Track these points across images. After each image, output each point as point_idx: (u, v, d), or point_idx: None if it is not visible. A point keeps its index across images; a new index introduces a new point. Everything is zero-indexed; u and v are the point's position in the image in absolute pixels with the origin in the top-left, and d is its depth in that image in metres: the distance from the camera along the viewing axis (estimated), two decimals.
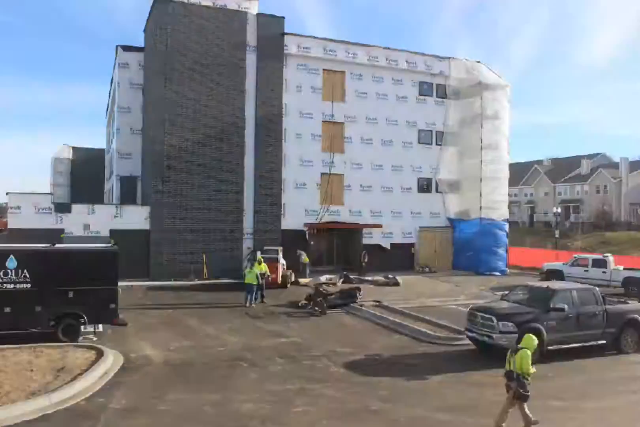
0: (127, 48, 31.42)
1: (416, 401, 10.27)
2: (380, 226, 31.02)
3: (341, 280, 25.87)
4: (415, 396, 10.58)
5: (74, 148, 50.88)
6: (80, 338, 13.96)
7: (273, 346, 14.15)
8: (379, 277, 26.61)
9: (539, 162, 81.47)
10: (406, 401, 10.22)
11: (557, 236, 44.56)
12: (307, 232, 29.63)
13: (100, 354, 12.09)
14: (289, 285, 24.86)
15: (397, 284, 25.72)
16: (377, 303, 20.16)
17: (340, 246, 31.86)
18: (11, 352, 11.94)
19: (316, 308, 18.81)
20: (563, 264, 27.86)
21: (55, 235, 24.79)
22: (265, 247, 26.34)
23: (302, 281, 25.93)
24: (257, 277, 20.09)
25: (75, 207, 25.83)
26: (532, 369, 8.73)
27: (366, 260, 29.10)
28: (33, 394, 9.53)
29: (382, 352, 13.84)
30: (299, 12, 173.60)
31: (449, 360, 13.42)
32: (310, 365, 12.49)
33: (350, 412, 9.60)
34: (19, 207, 24.77)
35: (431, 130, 33.22)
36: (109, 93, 40.54)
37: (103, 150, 46.17)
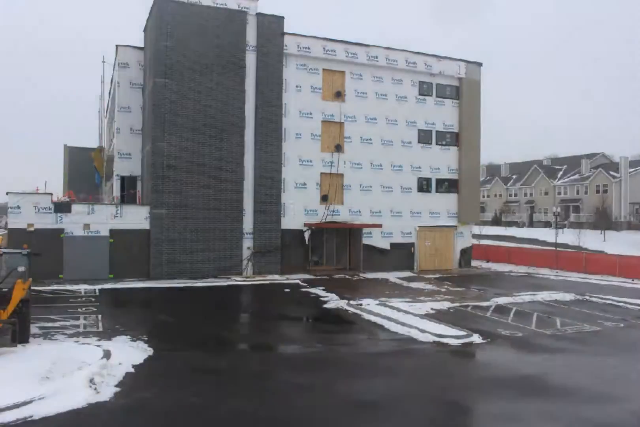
0: (126, 48, 31.41)
1: None
2: (380, 226, 31.00)
3: None
4: None
5: (71, 148, 50.81)
6: None
7: None
8: None
9: (539, 161, 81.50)
10: None
11: (556, 235, 44.49)
12: (306, 232, 29.62)
13: None
14: None
15: None
16: None
17: (340, 245, 31.87)
18: None
19: None
20: None
21: (55, 235, 24.94)
22: None
23: None
24: None
25: (75, 207, 25.81)
26: None
27: None
28: None
29: None
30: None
31: None
32: None
33: None
34: (18, 207, 24.77)
35: (431, 130, 33.22)
36: (109, 93, 40.53)
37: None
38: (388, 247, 31.70)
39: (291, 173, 29.40)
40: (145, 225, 26.46)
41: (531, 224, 72.79)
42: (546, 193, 74.94)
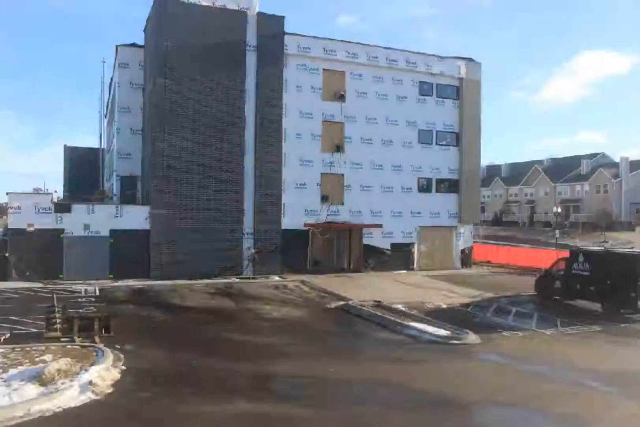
0: (126, 48, 31.41)
1: None
2: (380, 226, 30.97)
3: None
4: None
5: (70, 148, 50.68)
6: None
7: None
8: None
9: (539, 162, 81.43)
10: None
11: (557, 235, 44.49)
12: (309, 232, 29.54)
13: None
14: None
15: None
16: None
17: (340, 246, 31.82)
18: None
19: None
20: None
21: (55, 235, 24.92)
22: None
23: None
24: None
25: (75, 207, 25.79)
26: None
27: None
28: None
29: None
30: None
31: None
32: None
33: None
34: (19, 207, 24.75)
35: (431, 130, 33.17)
36: (109, 93, 40.52)
37: (98, 149, 45.89)
38: (388, 247, 31.67)
39: (291, 173, 29.35)
40: (145, 225, 26.42)
41: (531, 224, 72.76)
42: (546, 193, 74.91)
